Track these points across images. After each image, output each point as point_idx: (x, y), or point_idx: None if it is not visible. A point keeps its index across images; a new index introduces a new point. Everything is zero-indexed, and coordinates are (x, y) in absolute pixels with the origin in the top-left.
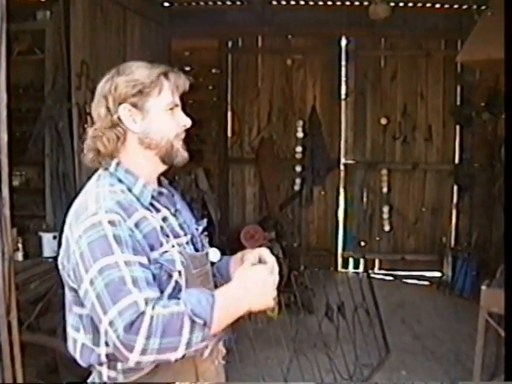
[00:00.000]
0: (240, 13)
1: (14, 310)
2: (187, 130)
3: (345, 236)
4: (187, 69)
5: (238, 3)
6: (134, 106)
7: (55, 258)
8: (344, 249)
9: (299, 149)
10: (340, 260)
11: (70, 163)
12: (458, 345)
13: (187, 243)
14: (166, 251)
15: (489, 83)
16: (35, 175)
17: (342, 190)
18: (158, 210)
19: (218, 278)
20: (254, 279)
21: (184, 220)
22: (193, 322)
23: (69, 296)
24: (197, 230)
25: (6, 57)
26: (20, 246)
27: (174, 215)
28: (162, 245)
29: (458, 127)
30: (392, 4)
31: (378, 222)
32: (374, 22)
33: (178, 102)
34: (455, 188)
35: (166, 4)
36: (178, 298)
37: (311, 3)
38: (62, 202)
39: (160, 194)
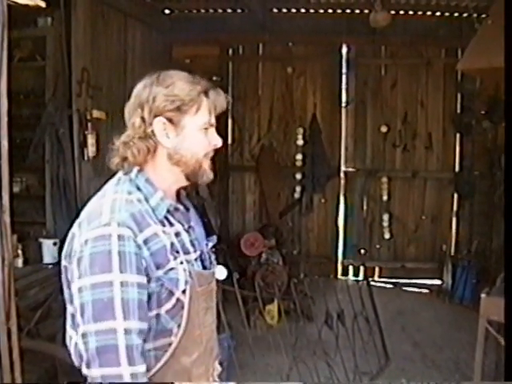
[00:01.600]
0: (241, 20)
1: (13, 316)
2: (216, 150)
3: (345, 244)
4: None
5: (239, 11)
6: (170, 120)
7: (55, 265)
8: (344, 256)
9: (299, 156)
10: (340, 268)
11: (71, 170)
12: (458, 353)
13: (196, 260)
14: (172, 268)
15: (489, 91)
16: (35, 182)
17: (342, 198)
18: (171, 224)
19: None
20: None
21: (196, 236)
22: None
23: (65, 292)
24: (206, 245)
25: (7, 63)
26: (20, 252)
27: (187, 231)
28: (168, 262)
29: (458, 135)
30: (392, 12)
31: (378, 229)
32: (374, 30)
33: (213, 121)
34: (455, 196)
35: (167, 11)
36: (172, 318)
37: (312, 11)
38: (62, 209)
39: (176, 209)
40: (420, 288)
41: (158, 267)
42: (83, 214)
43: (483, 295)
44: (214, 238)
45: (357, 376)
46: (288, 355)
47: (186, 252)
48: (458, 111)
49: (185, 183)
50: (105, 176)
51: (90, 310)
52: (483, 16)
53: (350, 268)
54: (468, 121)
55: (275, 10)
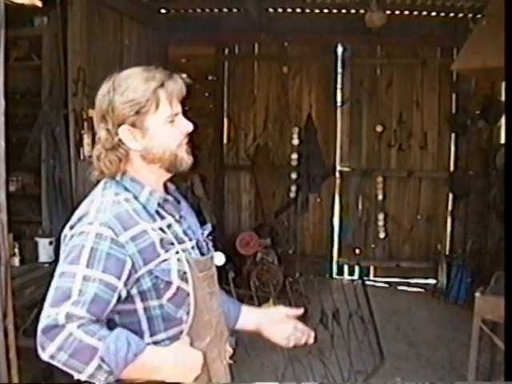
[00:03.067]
0: (237, 20)
1: (10, 315)
2: (190, 133)
3: (340, 243)
4: (184, 76)
5: (235, 10)
6: (133, 125)
7: (51, 264)
8: (339, 256)
9: (295, 156)
10: (335, 267)
11: (66, 169)
12: (453, 352)
13: (192, 248)
14: (164, 260)
15: (484, 91)
16: (31, 181)
17: (337, 197)
18: (162, 218)
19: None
20: (187, 364)
21: (189, 226)
22: (100, 364)
23: None
24: (202, 234)
25: (4, 63)
26: (16, 251)
27: (179, 221)
28: (158, 256)
29: (453, 135)
30: (388, 12)
31: (373, 229)
32: (369, 29)
33: (177, 110)
34: (450, 195)
35: (163, 11)
36: (178, 307)
37: (307, 11)
38: (58, 208)
39: (165, 200)
40: (415, 287)
41: (147, 262)
42: (74, 217)
43: (478, 294)
44: (209, 226)
45: (352, 375)
46: (283, 354)
47: (181, 241)
48: (454, 111)
49: (168, 175)
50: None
51: (51, 295)
52: (478, 16)
53: (345, 267)
54: (463, 121)
55: (271, 10)
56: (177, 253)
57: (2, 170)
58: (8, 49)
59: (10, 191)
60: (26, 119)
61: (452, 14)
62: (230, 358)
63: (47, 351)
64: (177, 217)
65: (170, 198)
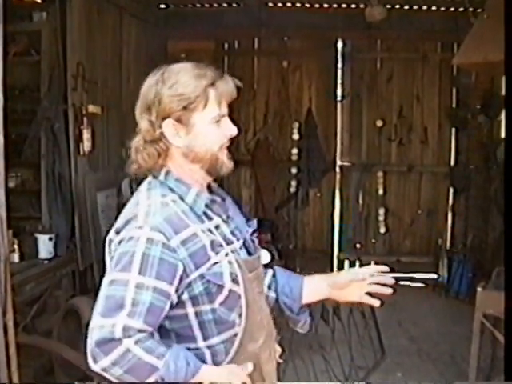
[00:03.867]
0: (236, 15)
1: (10, 311)
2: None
3: (340, 238)
4: (235, 79)
5: (235, 5)
6: (179, 120)
7: (50, 260)
8: (340, 251)
9: (295, 151)
10: (336, 262)
11: (66, 164)
12: (454, 347)
13: (240, 248)
14: (216, 263)
15: (484, 86)
16: (31, 177)
17: (337, 192)
18: (210, 219)
19: (282, 298)
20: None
21: (236, 225)
22: (157, 380)
23: None
24: (247, 231)
25: (3, 58)
26: (16, 247)
27: (226, 222)
28: (209, 259)
29: (453, 129)
30: (388, 6)
31: (373, 224)
32: (370, 24)
33: (224, 111)
34: (451, 190)
35: (162, 6)
36: (230, 310)
37: (307, 5)
38: (58, 204)
39: (213, 201)
40: (416, 282)
41: (198, 266)
42: (119, 221)
43: (479, 289)
44: (254, 223)
45: (353, 370)
46: (284, 349)
47: (230, 242)
48: (454, 105)
49: (208, 179)
50: (101, 171)
51: (103, 304)
52: (479, 10)
53: (346, 262)
54: (463, 115)
55: (270, 5)
56: (226, 255)
57: (1, 166)
58: (7, 44)
59: (10, 187)
60: (25, 115)
61: (452, 9)
62: (279, 357)
63: (100, 364)
64: (224, 217)
65: (218, 199)
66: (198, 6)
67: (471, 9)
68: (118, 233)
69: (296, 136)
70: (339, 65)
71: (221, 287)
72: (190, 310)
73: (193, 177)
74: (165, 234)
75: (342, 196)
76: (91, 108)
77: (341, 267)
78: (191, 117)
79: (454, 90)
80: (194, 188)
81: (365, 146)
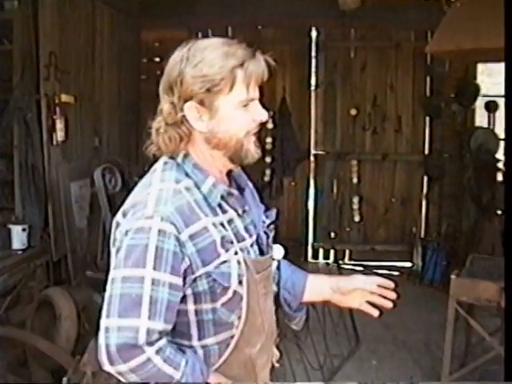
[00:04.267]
0: (209, 3)
1: None
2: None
3: (315, 227)
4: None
5: None
6: (202, 103)
7: (24, 251)
8: (314, 239)
9: (269, 140)
10: (310, 251)
11: (39, 155)
12: (428, 334)
13: (252, 245)
14: (224, 261)
15: (458, 74)
16: (4, 167)
17: (312, 181)
18: (224, 211)
19: (283, 293)
20: None
21: (251, 220)
22: None
23: None
24: (264, 222)
25: None
26: None
27: (241, 216)
28: (219, 256)
29: (427, 118)
30: None
31: (348, 212)
32: (343, 12)
33: (254, 95)
34: (425, 178)
35: None
36: (231, 311)
37: None
38: (31, 194)
39: (230, 194)
40: (390, 270)
41: (206, 263)
42: (128, 202)
43: (453, 276)
44: (273, 215)
45: (327, 358)
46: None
47: (241, 239)
48: (428, 94)
49: (232, 166)
50: (74, 161)
51: (117, 304)
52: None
53: (321, 251)
54: (437, 104)
55: None
56: (236, 253)
57: None
58: None
59: None
60: None
61: None
62: (277, 361)
63: (116, 368)
64: (240, 211)
65: (235, 192)
66: None
67: None
68: (124, 215)
69: (270, 125)
70: (313, 54)
71: (226, 288)
72: (191, 307)
73: (213, 164)
74: (176, 226)
75: (316, 185)
76: (64, 97)
77: (315, 256)
78: (215, 100)
79: (428, 79)
80: (211, 177)
81: (339, 134)
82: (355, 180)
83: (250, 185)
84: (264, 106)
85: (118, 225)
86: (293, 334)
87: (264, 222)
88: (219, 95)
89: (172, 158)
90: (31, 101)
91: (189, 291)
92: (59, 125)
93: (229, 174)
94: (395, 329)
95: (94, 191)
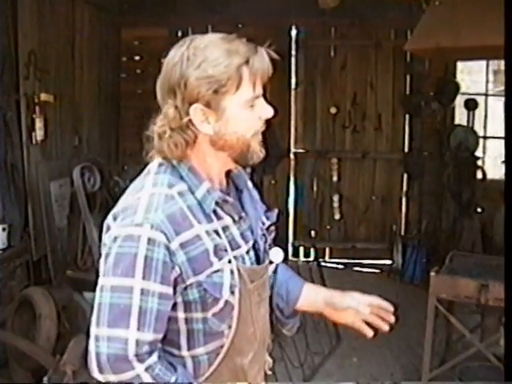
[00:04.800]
0: (190, 2)
1: None
2: (267, 121)
3: (295, 225)
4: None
5: None
6: (208, 105)
7: (4, 250)
8: (295, 238)
9: None
10: (291, 249)
11: (19, 154)
12: (409, 331)
13: (248, 252)
14: (217, 271)
15: (438, 73)
16: None
17: (292, 179)
18: (219, 218)
19: (276, 299)
20: None
21: (249, 224)
22: None
23: None
24: (263, 224)
25: None
26: None
27: (238, 223)
28: (211, 265)
29: (407, 116)
30: None
31: (328, 210)
32: (323, 11)
33: (259, 92)
34: (405, 176)
35: None
36: (222, 321)
37: None
38: (11, 194)
39: (225, 201)
40: (371, 268)
41: (197, 272)
42: (119, 205)
43: (432, 274)
44: (273, 216)
45: (308, 356)
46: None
47: (236, 247)
48: (408, 92)
49: (233, 166)
50: (54, 160)
51: (106, 313)
52: None
53: (301, 249)
54: (417, 102)
55: None
56: (229, 261)
57: None
58: None
59: None
60: None
61: None
62: (270, 369)
63: (106, 377)
64: (236, 218)
65: (231, 200)
66: None
67: None
68: (115, 219)
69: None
70: (293, 52)
71: (217, 299)
72: (181, 315)
73: (212, 166)
74: (166, 235)
75: (296, 183)
76: (43, 96)
77: (296, 254)
78: (222, 100)
79: (408, 77)
80: (207, 182)
81: (319, 133)
82: (335, 178)
83: (250, 185)
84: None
85: (108, 228)
86: (274, 333)
87: (263, 223)
88: (226, 95)
89: (166, 158)
90: (10, 100)
91: (179, 299)
92: (39, 124)
93: (227, 173)
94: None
95: (74, 190)
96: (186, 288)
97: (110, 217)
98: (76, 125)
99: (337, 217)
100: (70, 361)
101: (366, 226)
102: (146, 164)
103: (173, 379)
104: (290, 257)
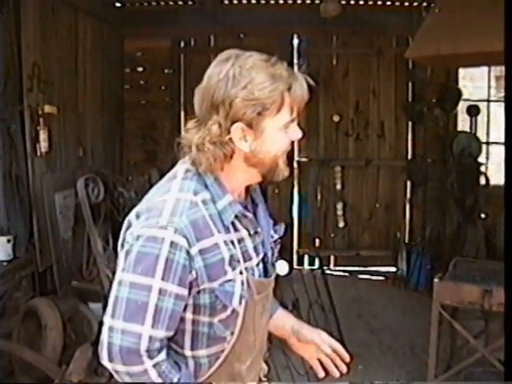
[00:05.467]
0: (192, 13)
1: None
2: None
3: (299, 233)
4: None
5: (190, 3)
6: (249, 125)
7: (10, 262)
8: (299, 246)
9: None
10: (295, 257)
11: (23, 166)
12: (414, 338)
13: (257, 265)
14: (229, 280)
15: (440, 79)
16: None
17: (296, 188)
18: (236, 230)
19: None
20: None
21: (262, 239)
22: None
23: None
24: (272, 237)
25: None
26: None
27: (252, 236)
28: (225, 273)
29: (410, 123)
30: (343, 2)
31: (332, 218)
32: (325, 20)
33: (295, 116)
34: (408, 183)
35: (118, 4)
36: (226, 327)
37: (263, 2)
38: (16, 205)
39: (244, 216)
40: (375, 275)
41: (212, 279)
42: (143, 204)
43: (436, 280)
44: (281, 230)
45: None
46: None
47: (248, 259)
48: (410, 99)
49: (258, 180)
50: (58, 171)
51: (123, 307)
52: (433, 5)
53: (306, 257)
54: (420, 109)
55: (226, 2)
56: (241, 273)
57: None
58: None
59: None
60: None
61: (407, 3)
62: (265, 376)
63: (114, 366)
64: (251, 232)
65: (250, 215)
66: (154, 4)
67: (425, 3)
68: (138, 217)
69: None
70: (295, 61)
71: (226, 306)
72: (189, 316)
73: (238, 180)
74: (188, 240)
75: (300, 191)
76: (47, 108)
77: (300, 263)
78: (262, 122)
79: (410, 84)
80: (229, 195)
81: (322, 141)
82: (339, 186)
83: (263, 199)
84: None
85: (129, 225)
86: (278, 340)
87: (272, 236)
88: (266, 117)
89: (194, 164)
90: (14, 112)
91: (190, 301)
92: (43, 135)
93: (247, 188)
94: (381, 333)
95: (79, 201)
96: (198, 292)
97: (132, 214)
98: (80, 136)
99: (341, 225)
100: (76, 371)
101: (370, 233)
102: (149, 175)
103: (176, 378)
104: (295, 265)
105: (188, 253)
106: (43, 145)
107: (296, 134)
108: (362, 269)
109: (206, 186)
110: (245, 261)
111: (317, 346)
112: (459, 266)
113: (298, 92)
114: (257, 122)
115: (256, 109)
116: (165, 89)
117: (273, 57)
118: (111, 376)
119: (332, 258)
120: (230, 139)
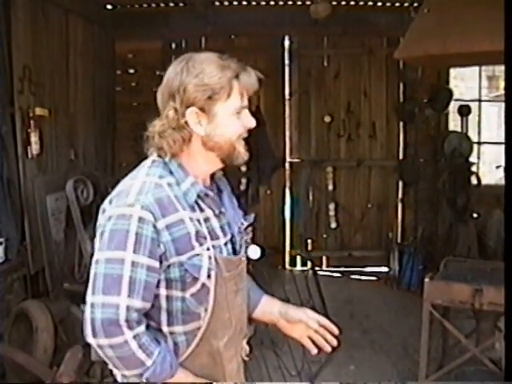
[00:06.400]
0: (183, 14)
1: None
2: (249, 130)
3: (292, 234)
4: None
5: (181, 5)
6: (202, 109)
7: (1, 264)
8: (291, 247)
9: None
10: (287, 258)
11: (14, 168)
12: (406, 338)
13: (225, 244)
14: (197, 255)
15: (431, 79)
16: None
17: (287, 189)
18: (202, 210)
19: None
20: None
21: (227, 220)
22: (142, 373)
23: None
24: (242, 224)
25: None
26: None
27: (218, 216)
28: (192, 248)
29: (401, 123)
30: (334, 3)
31: (324, 219)
32: (316, 21)
33: (245, 103)
34: (400, 183)
35: (109, 6)
36: (199, 303)
37: (254, 3)
38: (7, 208)
39: (206, 195)
40: (367, 276)
41: (180, 253)
42: (115, 191)
43: (426, 280)
44: (251, 218)
45: (305, 364)
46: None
47: (215, 237)
48: (401, 100)
49: (220, 166)
50: (50, 173)
51: (101, 282)
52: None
53: (298, 258)
54: (411, 109)
55: (217, 3)
56: (208, 249)
57: None
58: None
59: None
60: None
61: (397, 4)
62: (247, 355)
63: (98, 341)
64: (216, 211)
65: (211, 194)
66: (145, 6)
67: (415, 4)
68: (110, 202)
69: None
70: (286, 62)
71: (195, 279)
72: (163, 292)
73: (201, 163)
74: (154, 215)
75: (292, 192)
76: (38, 111)
77: (293, 263)
78: (214, 106)
79: (401, 85)
80: (191, 177)
81: (314, 142)
82: (331, 187)
83: (229, 189)
84: (253, 115)
85: (103, 211)
86: (270, 341)
87: (242, 223)
88: (217, 102)
89: (160, 156)
90: (5, 114)
91: (162, 276)
92: (34, 138)
93: (212, 176)
94: (373, 333)
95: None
96: (168, 266)
97: (106, 201)
98: (71, 138)
99: (333, 225)
100: (67, 372)
101: (363, 233)
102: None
103: (156, 351)
104: (287, 266)
105: (155, 226)
106: (34, 147)
107: (249, 121)
108: (354, 269)
109: (171, 172)
110: (212, 239)
111: (304, 323)
112: (450, 265)
113: (245, 79)
114: (209, 107)
115: (206, 93)
116: (156, 90)
117: (225, 55)
118: (102, 377)
119: (324, 258)
120: (186, 123)
